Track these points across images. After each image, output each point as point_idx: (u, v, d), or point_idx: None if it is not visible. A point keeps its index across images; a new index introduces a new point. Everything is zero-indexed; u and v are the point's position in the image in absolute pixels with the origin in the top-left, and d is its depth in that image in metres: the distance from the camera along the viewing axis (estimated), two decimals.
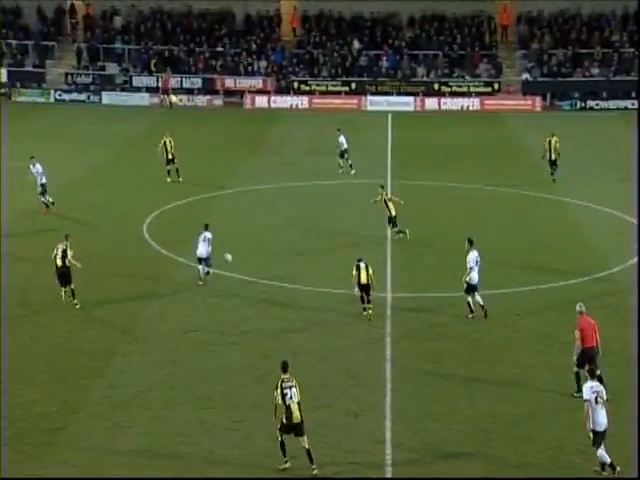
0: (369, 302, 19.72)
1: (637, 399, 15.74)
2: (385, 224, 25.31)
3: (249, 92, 50.70)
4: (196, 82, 51.06)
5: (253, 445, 14.42)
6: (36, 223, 26.56)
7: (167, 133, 32.66)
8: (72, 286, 20.25)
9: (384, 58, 51.86)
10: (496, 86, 50.62)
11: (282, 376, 14.02)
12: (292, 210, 28.50)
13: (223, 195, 30.12)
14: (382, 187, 25.77)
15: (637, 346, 17.88)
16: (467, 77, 51.09)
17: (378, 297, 20.76)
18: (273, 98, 50.41)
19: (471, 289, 19.60)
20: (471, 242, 19.81)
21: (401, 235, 24.85)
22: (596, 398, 13.42)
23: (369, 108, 49.90)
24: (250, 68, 51.81)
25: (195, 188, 30.71)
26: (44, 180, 27.90)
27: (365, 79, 51.05)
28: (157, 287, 21.50)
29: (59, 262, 20.21)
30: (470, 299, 19.66)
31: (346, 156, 33.54)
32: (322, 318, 19.70)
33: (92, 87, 51.20)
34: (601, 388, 13.61)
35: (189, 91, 51.18)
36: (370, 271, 19.65)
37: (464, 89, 50.59)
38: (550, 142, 31.66)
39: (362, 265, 19.81)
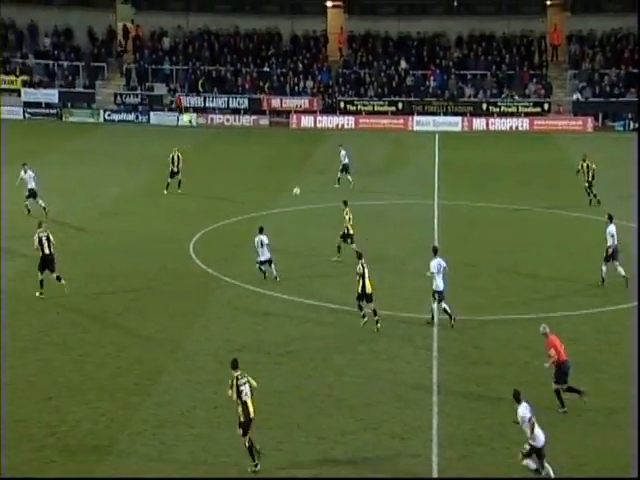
0: (375, 313, 19.85)
1: (637, 400, 16.16)
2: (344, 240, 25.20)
3: (295, 112, 51.20)
4: (242, 102, 51.73)
5: (298, 466, 14.46)
6: (84, 242, 27.13)
7: (176, 148, 33.84)
8: (57, 274, 21.78)
9: (431, 78, 51.96)
10: (546, 106, 50.31)
11: (234, 374, 14.42)
12: (337, 230, 28.63)
13: (269, 215, 30.40)
14: (345, 203, 25.74)
15: (637, 348, 18.50)
16: (516, 97, 50.88)
17: (423, 319, 20.71)
18: (319, 118, 50.80)
19: (435, 295, 20.05)
20: (435, 251, 20.32)
21: (338, 258, 24.71)
22: (530, 418, 13.67)
23: (416, 128, 49.95)
24: (296, 88, 52.34)
25: (241, 207, 31.06)
26: (33, 185, 29.70)
27: (412, 99, 51.17)
28: (203, 306, 21.75)
29: (46, 250, 21.84)
30: (435, 306, 20.00)
31: (345, 172, 34.40)
32: (367, 339, 19.67)
33: (140, 107, 52.24)
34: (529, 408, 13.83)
35: (235, 111, 51.89)
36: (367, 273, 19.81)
37: (513, 109, 50.36)
38: (582, 166, 31.45)
39: (366, 271, 19.87)
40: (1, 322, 20.07)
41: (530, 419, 13.53)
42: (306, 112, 51.15)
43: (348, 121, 50.59)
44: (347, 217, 25.23)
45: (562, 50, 53.42)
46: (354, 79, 52.55)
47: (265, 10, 55.38)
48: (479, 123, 49.90)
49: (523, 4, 53.78)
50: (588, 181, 31.38)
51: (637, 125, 47.66)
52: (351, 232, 25.22)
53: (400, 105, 50.92)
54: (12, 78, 52.82)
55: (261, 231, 23.29)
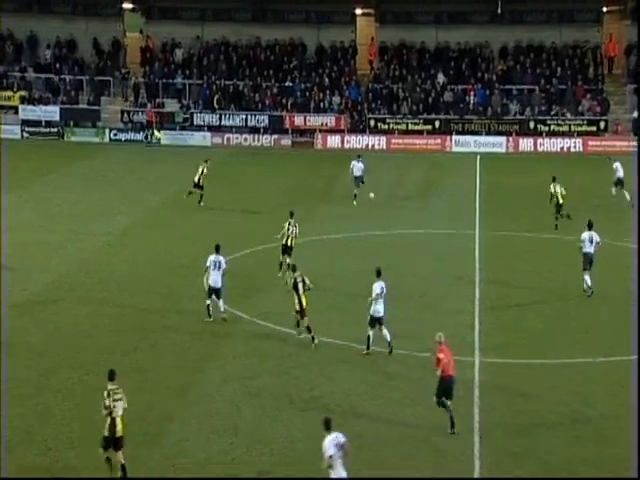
0: (309, 329, 21.23)
1: (637, 399, 17.68)
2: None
3: (321, 131, 51.59)
4: (262, 120, 52.26)
5: None
6: (89, 274, 27.50)
7: (206, 161, 36.41)
8: None
9: (472, 93, 52.18)
10: (602, 125, 50.26)
11: (109, 386, 15.60)
12: (366, 262, 28.73)
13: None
14: (291, 214, 27.03)
15: (637, 348, 20.24)
16: (568, 115, 50.94)
17: (465, 361, 20.75)
18: (347, 138, 51.18)
19: (375, 322, 20.66)
20: (379, 273, 21.08)
21: (282, 273, 25.91)
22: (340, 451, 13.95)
23: (455, 149, 50.18)
24: (322, 104, 52.78)
25: (260, 236, 31.34)
26: None
27: (451, 117, 51.42)
28: (218, 346, 21.93)
29: None
30: (371, 333, 20.73)
31: (357, 182, 36.94)
32: (399, 385, 19.73)
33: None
34: (343, 440, 14.09)
35: (254, 130, 52.43)
36: (308, 284, 21.17)
37: (564, 128, 50.41)
38: (554, 190, 32.81)
39: (300, 285, 21.18)
40: (1, 344, 21.09)
41: (331, 456, 13.95)
42: (332, 131, 51.49)
43: (379, 141, 50.92)
44: (290, 229, 26.33)
45: (620, 62, 53.45)
46: (386, 94, 52.92)
47: (288, 19, 55.97)
48: (526, 144, 50.02)
49: (576, 11, 53.74)
50: (558, 204, 32.65)
51: None
52: (290, 245, 26.31)
53: (437, 123, 51.18)
54: (9, 94, 53.66)
55: (217, 250, 23.08)
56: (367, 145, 50.93)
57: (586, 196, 38.65)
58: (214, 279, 22.59)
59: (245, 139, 51.92)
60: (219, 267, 22.70)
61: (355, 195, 36.62)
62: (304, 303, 21.18)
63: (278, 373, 20.32)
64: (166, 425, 17.85)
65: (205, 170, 35.98)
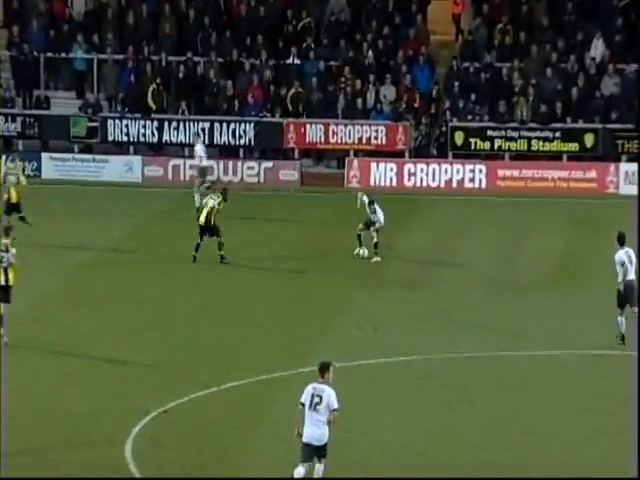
0: None
1: (637, 400, 25.24)
2: None
3: (357, 154, 52.58)
4: (244, 132, 53.23)
5: None
6: None
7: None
8: None
9: None
10: None
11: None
12: (452, 412, 28.89)
13: (292, 376, 30.78)
14: (6, 231, 32.01)
15: (637, 345, 25.64)
16: None
17: None
18: (410, 166, 52.39)
19: (312, 452, 23.54)
20: (322, 369, 23.73)
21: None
22: None
23: (624, 190, 51.40)
24: (360, 102, 53.38)
25: (234, 363, 31.64)
26: None
27: (617, 126, 52.02)
28: None
29: None
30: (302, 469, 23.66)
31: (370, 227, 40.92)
32: None
33: (21, 143, 54.04)
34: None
35: (228, 150, 53.26)
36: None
37: None
38: None
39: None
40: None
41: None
42: (380, 154, 52.38)
43: (473, 174, 51.92)
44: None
45: None
46: (485, 83, 53.46)
47: None
48: None
49: None
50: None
51: None
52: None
53: (589, 140, 51.68)
54: None
55: None
56: (449, 181, 51.57)
57: None
58: None
59: (210, 169, 52.34)
60: None
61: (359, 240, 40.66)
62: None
63: None
64: None
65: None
